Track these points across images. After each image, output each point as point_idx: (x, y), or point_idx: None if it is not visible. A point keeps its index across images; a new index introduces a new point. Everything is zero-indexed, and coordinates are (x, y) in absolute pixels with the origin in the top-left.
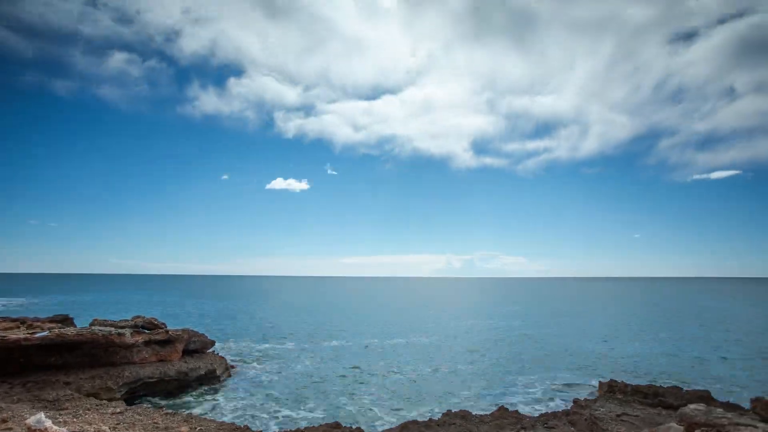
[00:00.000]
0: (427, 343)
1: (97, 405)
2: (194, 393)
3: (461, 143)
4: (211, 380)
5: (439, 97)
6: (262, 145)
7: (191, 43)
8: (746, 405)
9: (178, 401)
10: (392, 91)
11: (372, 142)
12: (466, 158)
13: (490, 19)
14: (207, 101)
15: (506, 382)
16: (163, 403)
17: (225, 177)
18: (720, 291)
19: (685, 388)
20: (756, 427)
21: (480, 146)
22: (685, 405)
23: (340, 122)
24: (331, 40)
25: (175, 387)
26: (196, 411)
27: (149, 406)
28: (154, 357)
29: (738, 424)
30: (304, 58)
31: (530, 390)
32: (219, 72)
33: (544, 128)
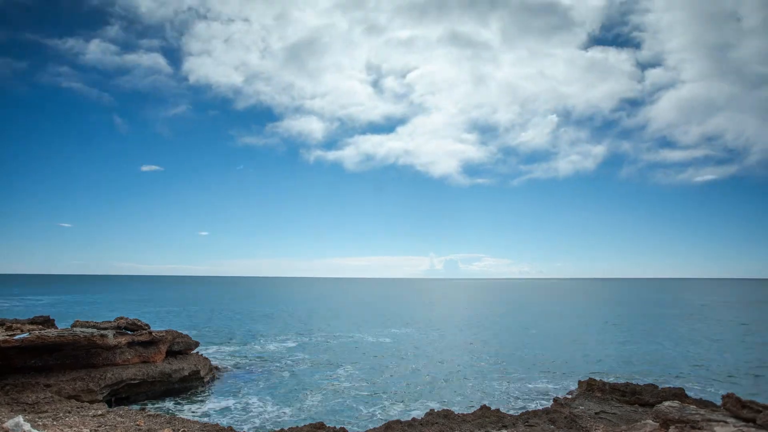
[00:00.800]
0: (410, 344)
1: (78, 407)
2: (178, 394)
3: (456, 168)
4: (194, 381)
5: (440, 134)
6: (285, 167)
7: (243, 102)
8: (718, 401)
9: (161, 403)
10: (403, 122)
11: (378, 166)
12: (459, 179)
13: (489, 92)
14: (247, 138)
15: (488, 382)
16: (146, 404)
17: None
18: (687, 290)
19: (660, 386)
20: (727, 422)
21: (472, 170)
22: (661, 402)
23: (355, 153)
24: (354, 106)
25: (158, 388)
26: (180, 412)
27: (132, 407)
28: (137, 358)
29: (710, 420)
30: (330, 112)
31: (511, 389)
32: (259, 117)
33: (527, 158)
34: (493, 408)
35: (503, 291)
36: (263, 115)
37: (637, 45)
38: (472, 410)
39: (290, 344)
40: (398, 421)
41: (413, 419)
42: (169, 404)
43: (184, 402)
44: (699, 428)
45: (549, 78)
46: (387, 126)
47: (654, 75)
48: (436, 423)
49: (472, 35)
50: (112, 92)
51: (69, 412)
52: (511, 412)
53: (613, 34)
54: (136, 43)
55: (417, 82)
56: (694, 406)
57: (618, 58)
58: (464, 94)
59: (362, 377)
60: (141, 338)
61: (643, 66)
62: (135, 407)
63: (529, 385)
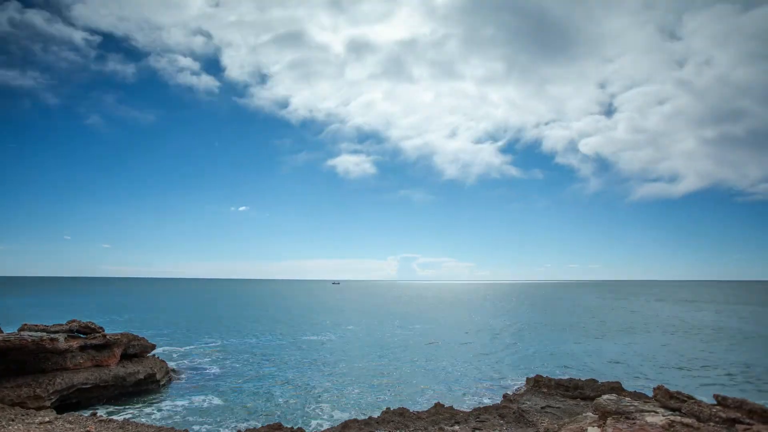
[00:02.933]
0: (364, 343)
1: (22, 415)
2: (133, 398)
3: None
4: (150, 385)
5: None
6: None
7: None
8: (650, 393)
9: (115, 407)
10: None
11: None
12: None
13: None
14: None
15: (442, 381)
16: (98, 410)
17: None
18: (622, 292)
19: (600, 381)
20: (657, 412)
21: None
22: (600, 396)
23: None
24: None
25: (112, 393)
26: (134, 417)
27: (83, 413)
28: (90, 362)
29: (642, 410)
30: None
31: (464, 387)
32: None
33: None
34: (446, 405)
35: (460, 294)
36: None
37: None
38: (426, 408)
39: (248, 346)
40: (355, 420)
41: (370, 418)
42: (122, 409)
43: (138, 406)
44: (633, 419)
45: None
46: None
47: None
48: (392, 421)
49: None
50: None
51: (12, 420)
52: (464, 409)
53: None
54: None
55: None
56: (629, 399)
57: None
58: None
59: (318, 377)
60: (94, 341)
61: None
62: (86, 413)
63: (481, 383)
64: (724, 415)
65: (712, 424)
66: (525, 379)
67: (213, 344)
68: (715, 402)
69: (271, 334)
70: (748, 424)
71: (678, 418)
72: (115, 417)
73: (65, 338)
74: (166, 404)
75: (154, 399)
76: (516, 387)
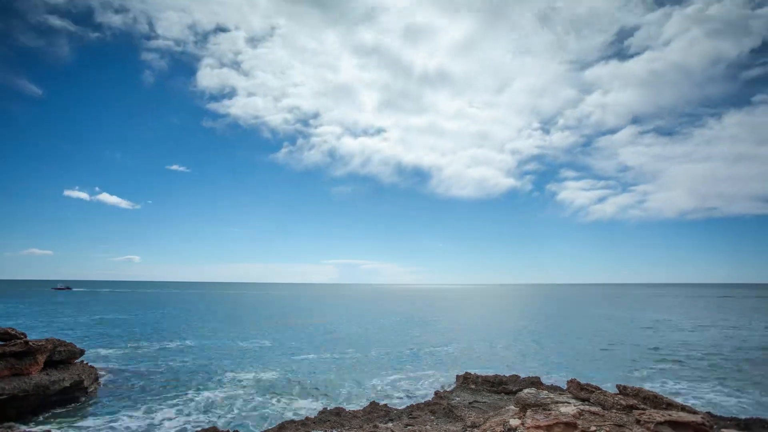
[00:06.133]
0: (298, 345)
1: None
2: (58, 408)
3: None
4: (77, 393)
5: None
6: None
7: None
8: (564, 386)
9: (35, 419)
10: None
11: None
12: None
13: None
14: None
15: (377, 380)
16: (15, 423)
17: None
18: (544, 295)
19: (522, 376)
20: (569, 403)
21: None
22: (521, 390)
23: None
24: None
25: (33, 403)
26: (58, 428)
27: None
28: (8, 371)
29: (557, 402)
30: None
31: (398, 385)
32: None
33: None
34: (381, 404)
35: (397, 296)
36: None
37: None
38: (362, 407)
39: (179, 350)
40: (292, 421)
41: (306, 418)
42: (45, 420)
43: (62, 417)
44: (549, 410)
45: None
46: None
47: None
48: (328, 420)
49: None
50: None
51: None
52: (398, 407)
53: None
54: None
55: None
56: (547, 392)
57: None
58: None
59: (252, 380)
60: (14, 348)
61: None
62: (1, 427)
63: (415, 381)
64: (624, 403)
65: (614, 410)
66: (455, 376)
67: (146, 349)
68: (617, 391)
69: (203, 338)
70: (643, 408)
71: (587, 407)
72: (35, 429)
73: None
74: (94, 414)
75: (81, 407)
76: (447, 384)
